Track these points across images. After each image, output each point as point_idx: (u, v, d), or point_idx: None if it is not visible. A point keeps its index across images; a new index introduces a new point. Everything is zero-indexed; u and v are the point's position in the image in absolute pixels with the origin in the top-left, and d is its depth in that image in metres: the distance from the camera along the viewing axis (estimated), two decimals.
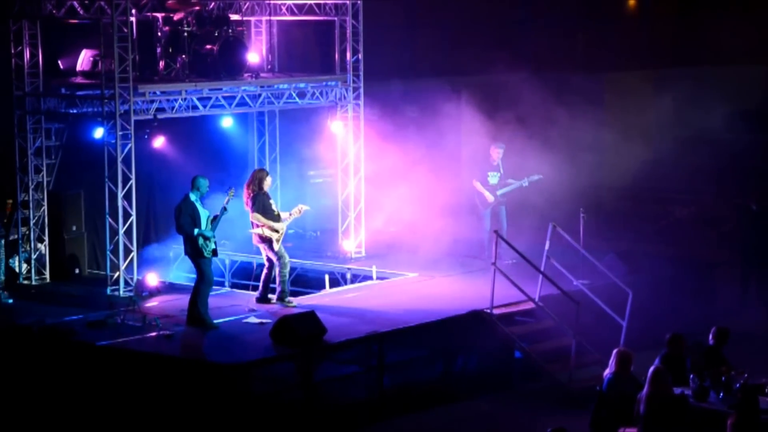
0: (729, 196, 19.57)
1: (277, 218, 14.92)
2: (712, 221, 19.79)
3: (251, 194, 14.84)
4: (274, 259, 14.89)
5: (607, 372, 12.41)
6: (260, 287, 15.15)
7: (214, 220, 14.11)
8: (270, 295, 15.14)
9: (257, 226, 14.82)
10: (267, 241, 14.83)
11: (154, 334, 13.73)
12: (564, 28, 21.74)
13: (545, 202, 18.40)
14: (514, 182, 17.79)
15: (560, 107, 18.98)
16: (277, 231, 14.85)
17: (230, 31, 16.49)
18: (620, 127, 20.46)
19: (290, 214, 15.14)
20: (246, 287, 17.03)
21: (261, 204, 14.80)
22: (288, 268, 15.07)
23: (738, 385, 11.96)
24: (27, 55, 16.22)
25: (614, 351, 12.42)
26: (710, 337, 12.90)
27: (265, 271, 15.08)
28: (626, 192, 20.28)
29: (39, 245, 16.55)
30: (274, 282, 15.09)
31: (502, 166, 17.86)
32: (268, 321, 14.03)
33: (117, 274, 15.44)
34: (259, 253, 15.44)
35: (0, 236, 16.02)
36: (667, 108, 20.64)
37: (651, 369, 11.60)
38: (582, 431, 12.74)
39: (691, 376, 12.20)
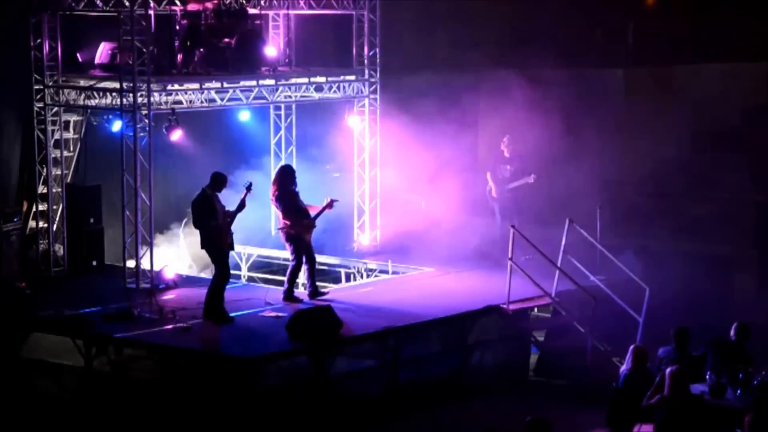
0: (747, 191, 19.46)
1: (305, 214, 14.84)
2: (730, 217, 19.69)
3: (277, 192, 14.78)
4: (290, 256, 14.86)
5: (623, 368, 12.40)
6: (286, 284, 15.07)
7: (232, 215, 14.10)
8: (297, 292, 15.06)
9: (285, 223, 14.76)
10: (293, 239, 14.77)
11: (170, 326, 13.76)
12: (582, 23, 21.64)
13: (561, 197, 18.37)
14: (521, 178, 17.78)
15: (578, 102, 18.92)
16: (306, 230, 14.76)
17: (248, 24, 16.51)
18: (638, 123, 20.39)
19: (321, 209, 14.96)
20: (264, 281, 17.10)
21: (288, 203, 14.72)
22: (314, 264, 15.01)
23: (756, 381, 11.92)
24: (46, 47, 16.28)
25: (631, 347, 12.41)
26: (732, 332, 12.86)
27: (291, 268, 14.99)
28: (644, 188, 20.18)
29: (57, 237, 16.62)
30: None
31: (516, 160, 17.82)
32: (285, 315, 14.05)
33: (134, 266, 15.50)
34: (278, 248, 15.46)
35: (18, 228, 16.10)
36: (685, 103, 20.54)
37: (669, 370, 11.56)
38: (598, 427, 12.75)
39: (709, 372, 12.16)
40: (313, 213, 14.90)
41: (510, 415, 13.95)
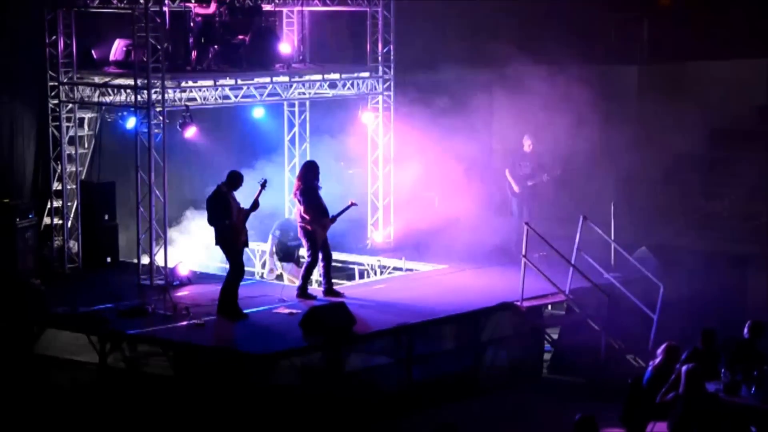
0: (762, 189, 19.39)
1: (325, 213, 14.84)
2: (745, 214, 19.62)
3: (301, 187, 14.78)
4: (306, 253, 14.86)
5: (653, 363, 12.36)
6: (300, 281, 15.07)
7: (246, 212, 14.09)
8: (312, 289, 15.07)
9: (305, 219, 14.74)
10: (310, 235, 14.77)
11: (184, 323, 13.78)
12: (597, 20, 21.60)
13: (576, 194, 18.33)
14: (541, 177, 17.77)
15: (592, 99, 18.87)
16: (323, 228, 14.76)
17: (262, 21, 16.52)
18: (653, 120, 20.33)
19: (342, 210, 14.98)
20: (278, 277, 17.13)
21: (311, 198, 14.71)
22: (330, 262, 15.01)
23: None
24: (61, 44, 16.32)
25: (664, 344, 12.37)
26: (745, 330, 12.82)
27: (306, 264, 14.99)
28: (658, 185, 20.14)
29: (71, 234, 16.66)
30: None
31: (535, 157, 17.81)
32: (298, 311, 14.05)
33: (148, 263, 15.53)
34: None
35: (33, 225, 16.14)
36: (700, 100, 20.47)
37: (684, 368, 11.53)
38: (612, 424, 12.71)
39: (723, 370, 12.14)
40: (333, 214, 14.92)
41: (524, 411, 13.96)
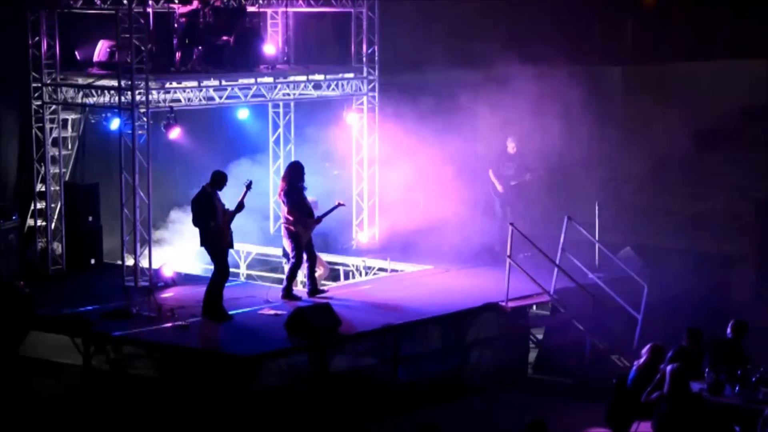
0: (746, 188, 19.49)
1: (310, 214, 14.82)
2: (729, 214, 19.71)
3: (286, 188, 14.76)
4: (291, 254, 14.82)
5: (637, 362, 12.40)
6: (285, 282, 15.01)
7: (231, 213, 14.06)
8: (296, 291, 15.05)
9: (288, 220, 14.71)
10: (295, 236, 14.74)
11: (169, 324, 13.75)
12: (581, 21, 21.66)
13: (561, 194, 18.36)
14: (524, 177, 17.82)
15: (577, 100, 18.92)
16: (307, 228, 14.74)
17: (246, 22, 16.49)
18: (638, 120, 20.40)
19: (328, 210, 14.99)
20: (262, 279, 17.09)
21: (295, 199, 14.68)
22: (315, 263, 14.98)
23: (754, 378, 11.93)
24: (44, 45, 16.26)
25: (649, 344, 12.41)
26: (728, 330, 12.86)
27: (290, 265, 14.97)
28: (643, 185, 20.21)
29: (55, 236, 16.61)
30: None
31: (519, 158, 17.85)
32: (283, 312, 14.03)
33: (133, 264, 15.49)
34: (277, 245, 15.45)
35: (16, 227, 16.08)
36: (685, 101, 20.55)
37: (669, 368, 11.56)
38: (597, 424, 12.74)
39: (707, 370, 12.17)
40: (317, 215, 14.91)
41: (509, 412, 13.97)
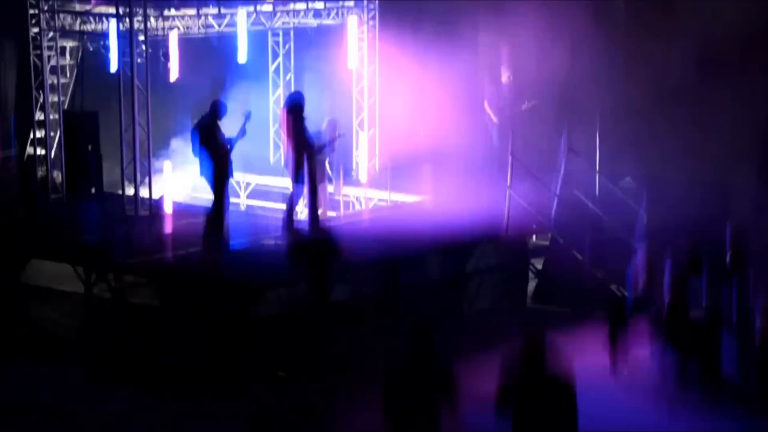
0: (748, 118, 19.39)
1: (311, 144, 14.74)
2: (729, 144, 19.65)
3: (287, 118, 14.65)
4: (292, 184, 14.79)
5: (633, 290, 12.50)
6: (286, 212, 14.98)
7: (231, 143, 14.01)
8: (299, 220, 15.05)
9: (290, 150, 14.62)
10: (295, 167, 14.66)
11: (170, 254, 13.78)
12: None
13: (561, 124, 18.27)
14: (521, 107, 17.77)
15: (579, 29, 18.74)
16: (309, 158, 14.67)
17: None
18: (640, 50, 20.23)
19: (329, 141, 14.95)
20: (262, 209, 17.12)
21: (296, 129, 14.60)
22: (317, 197, 14.97)
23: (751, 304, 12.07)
24: None
25: (642, 270, 12.48)
26: (727, 258, 12.92)
27: (291, 197, 14.92)
28: (644, 115, 20.12)
29: (55, 164, 16.59)
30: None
31: (515, 88, 17.76)
32: (284, 243, 14.06)
33: (133, 194, 15.50)
34: (279, 175, 15.44)
35: (16, 155, 16.08)
36: (687, 30, 20.37)
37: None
38: (597, 349, 12.84)
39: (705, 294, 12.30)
40: (321, 144, 14.88)
41: (508, 342, 14.05)
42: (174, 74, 15.51)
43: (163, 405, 11.81)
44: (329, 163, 16.06)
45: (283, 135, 14.79)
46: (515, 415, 8.37)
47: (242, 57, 16.70)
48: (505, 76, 17.79)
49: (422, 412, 8.42)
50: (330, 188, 16.04)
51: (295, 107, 14.69)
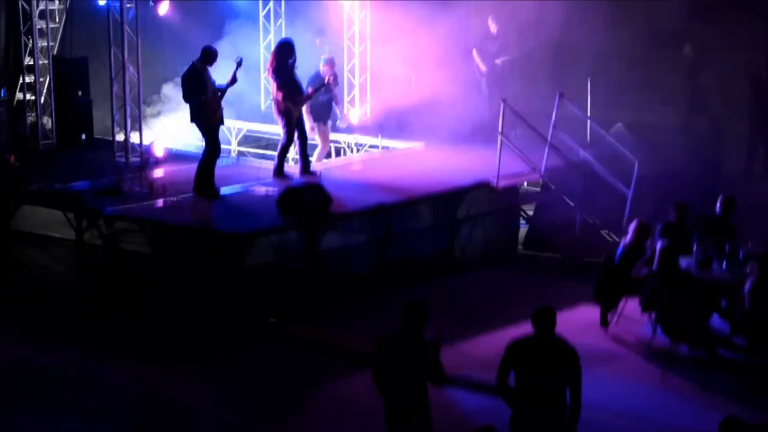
0: (740, 63, 19.31)
1: (299, 91, 14.65)
2: (722, 91, 19.59)
3: (275, 65, 14.56)
4: (282, 131, 14.73)
5: (623, 240, 12.52)
6: (276, 160, 14.95)
7: (222, 90, 13.94)
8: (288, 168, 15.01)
9: (278, 97, 14.55)
10: (285, 113, 14.60)
11: (161, 201, 13.77)
12: None
13: (552, 71, 18.22)
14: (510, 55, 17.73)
15: None
16: (297, 104, 14.59)
17: None
18: None
19: (317, 87, 14.91)
20: (253, 156, 17.08)
21: (284, 76, 14.52)
22: (306, 140, 14.90)
23: (742, 254, 12.06)
24: None
25: (634, 221, 12.52)
26: (717, 206, 12.94)
27: (281, 143, 14.88)
28: (635, 60, 20.03)
29: (45, 110, 16.51)
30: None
31: (502, 37, 17.69)
32: (275, 190, 14.05)
33: (123, 140, 15.44)
34: (268, 122, 15.38)
35: (5, 101, 15.98)
36: None
37: (659, 245, 11.67)
38: (586, 301, 12.92)
39: (695, 246, 12.28)
40: (309, 92, 14.80)
41: (499, 287, 14.13)
42: (164, 8, 15.37)
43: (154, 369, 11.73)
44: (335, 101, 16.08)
45: (271, 82, 14.69)
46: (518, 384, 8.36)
47: None
48: (492, 26, 17.70)
49: (411, 391, 8.41)
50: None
51: (281, 53, 14.59)
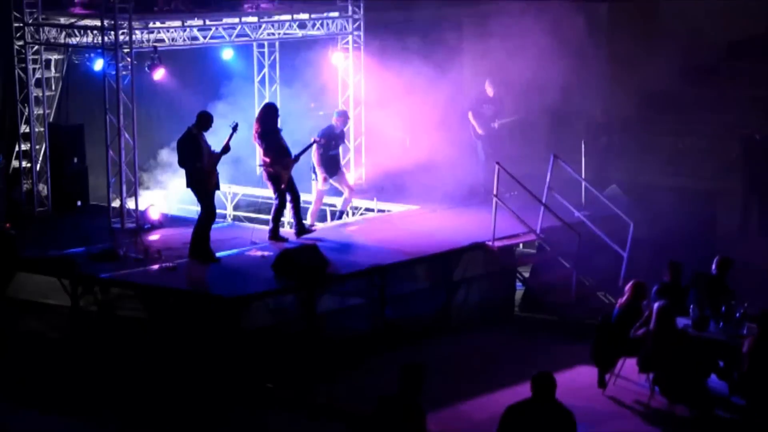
0: (733, 125, 19.47)
1: (287, 154, 14.71)
2: (715, 152, 19.72)
3: (260, 130, 14.64)
4: (273, 195, 14.77)
5: (620, 301, 12.51)
6: (271, 223, 14.96)
7: (217, 155, 13.98)
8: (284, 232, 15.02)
9: (266, 161, 14.62)
10: (274, 177, 14.67)
11: (156, 266, 13.76)
12: None
13: (546, 133, 18.33)
14: (507, 118, 17.84)
15: (562, 36, 18.81)
16: (286, 167, 14.65)
17: None
18: (623, 57, 20.31)
19: (305, 148, 14.98)
20: (249, 220, 17.09)
21: (271, 141, 14.59)
22: (299, 202, 14.93)
23: (738, 314, 12.04)
24: None
25: (631, 282, 12.52)
26: (713, 266, 12.96)
27: (274, 207, 14.91)
28: (629, 123, 20.18)
29: (41, 177, 16.54)
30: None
31: (498, 100, 17.82)
32: (270, 253, 14.05)
33: (119, 206, 15.46)
34: (264, 186, 15.44)
35: (1, 168, 16.02)
36: (671, 37, 20.46)
37: (656, 306, 11.66)
38: (582, 361, 12.86)
39: (692, 306, 12.27)
40: (294, 155, 14.87)
41: (495, 350, 14.07)
42: (159, 74, 15.49)
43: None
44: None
45: (258, 146, 14.75)
46: None
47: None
48: (489, 89, 17.83)
49: None
50: (319, 185, 16.03)
51: (266, 117, 14.69)
